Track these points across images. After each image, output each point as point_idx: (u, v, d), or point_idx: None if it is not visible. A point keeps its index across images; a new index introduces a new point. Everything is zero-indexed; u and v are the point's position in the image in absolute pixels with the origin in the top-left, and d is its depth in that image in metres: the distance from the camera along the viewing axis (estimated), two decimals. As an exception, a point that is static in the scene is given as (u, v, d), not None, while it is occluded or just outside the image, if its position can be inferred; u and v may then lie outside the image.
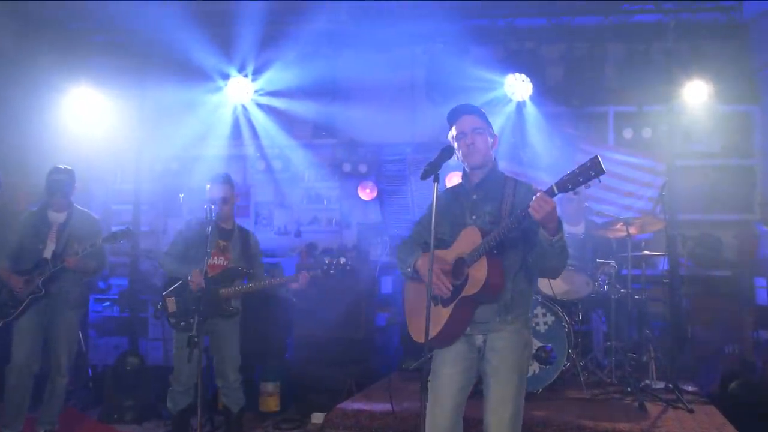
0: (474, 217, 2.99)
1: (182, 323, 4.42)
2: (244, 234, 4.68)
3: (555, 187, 2.61)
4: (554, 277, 3.14)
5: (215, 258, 4.47)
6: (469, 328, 2.94)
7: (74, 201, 4.83)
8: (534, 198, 2.62)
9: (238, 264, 4.53)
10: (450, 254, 2.97)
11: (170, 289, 4.49)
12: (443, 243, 3.01)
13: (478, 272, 2.82)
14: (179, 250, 4.53)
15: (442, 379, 2.93)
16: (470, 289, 2.84)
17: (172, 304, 4.45)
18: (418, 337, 3.00)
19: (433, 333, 2.87)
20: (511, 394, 2.87)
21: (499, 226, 2.82)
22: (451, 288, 2.90)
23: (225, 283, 4.43)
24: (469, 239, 2.90)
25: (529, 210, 2.61)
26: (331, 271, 4.47)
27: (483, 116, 3.04)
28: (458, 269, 2.93)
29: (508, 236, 2.79)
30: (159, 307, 4.53)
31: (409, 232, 3.27)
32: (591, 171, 2.50)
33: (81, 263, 4.57)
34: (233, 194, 4.59)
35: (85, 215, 4.82)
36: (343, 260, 4.49)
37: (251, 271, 4.54)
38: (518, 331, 2.94)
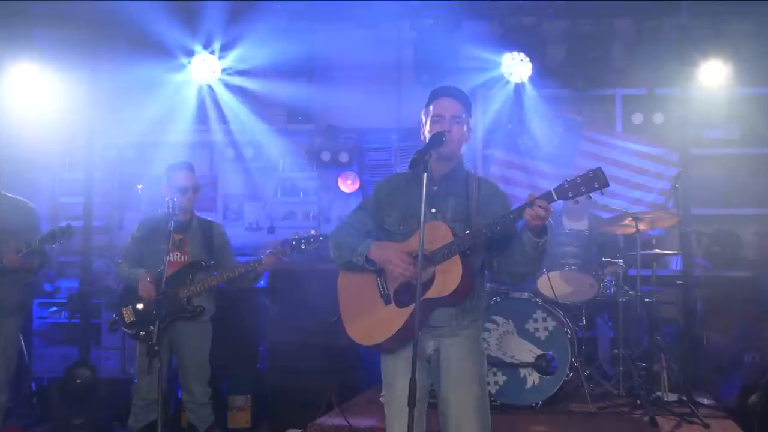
0: (434, 210, 2.98)
1: (142, 333, 4.41)
2: (205, 225, 4.66)
3: (554, 194, 2.72)
4: (524, 282, 3.22)
5: (171, 254, 4.41)
6: (420, 332, 2.91)
7: (5, 188, 4.65)
8: (531, 202, 2.68)
9: (198, 258, 4.50)
10: (407, 249, 2.93)
11: (125, 297, 4.47)
12: (390, 235, 3.01)
13: (450, 273, 2.84)
14: (135, 254, 4.55)
15: (397, 392, 2.92)
16: (438, 291, 2.85)
17: (128, 314, 4.46)
18: (362, 339, 3.00)
19: (384, 336, 2.89)
20: (475, 407, 2.90)
21: (472, 226, 2.86)
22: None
23: (182, 281, 4.39)
24: (434, 235, 2.88)
25: (526, 216, 2.69)
26: (302, 246, 4.49)
27: (467, 105, 3.08)
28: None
29: (487, 237, 2.83)
30: (115, 320, 4.50)
31: (349, 217, 3.21)
32: (594, 183, 2.65)
33: (24, 261, 4.43)
34: (198, 184, 4.62)
35: (16, 203, 4.64)
36: (314, 231, 4.49)
37: (212, 263, 4.50)
38: (473, 338, 2.99)
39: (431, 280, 2.87)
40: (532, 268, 2.91)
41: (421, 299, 2.82)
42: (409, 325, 2.87)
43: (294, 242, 4.52)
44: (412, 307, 2.86)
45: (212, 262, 4.54)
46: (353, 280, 3.10)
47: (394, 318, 2.90)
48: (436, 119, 2.99)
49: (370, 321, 2.94)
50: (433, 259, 2.87)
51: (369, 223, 3.12)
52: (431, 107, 3.04)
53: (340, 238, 3.13)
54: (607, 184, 2.64)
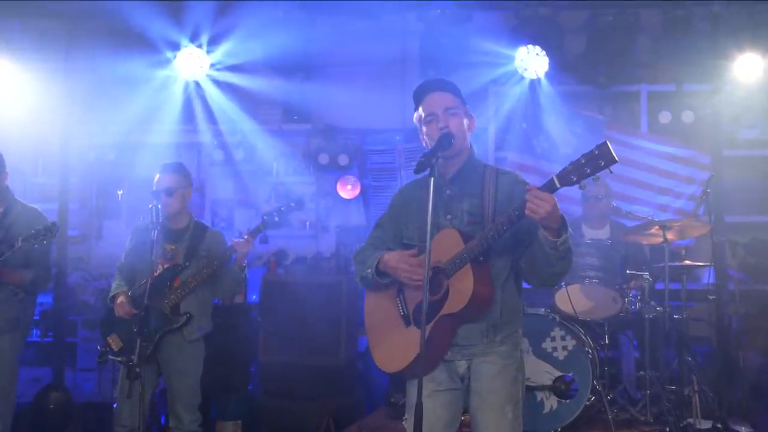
0: (449, 216, 2.99)
1: (133, 357, 4.35)
2: (199, 231, 4.61)
3: (557, 180, 2.62)
4: (554, 285, 3.14)
5: (162, 267, 4.42)
6: (449, 353, 2.93)
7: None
8: (528, 195, 2.60)
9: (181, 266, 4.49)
10: (422, 263, 2.91)
11: (108, 323, 4.46)
12: (410, 249, 3.00)
13: (462, 284, 2.81)
14: (127, 267, 4.55)
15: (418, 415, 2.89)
16: (453, 305, 2.83)
17: (115, 341, 4.43)
18: (387, 366, 3.01)
19: (407, 360, 2.87)
20: (507, 430, 2.89)
21: (485, 228, 2.82)
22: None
23: (160, 291, 4.36)
24: (445, 244, 2.88)
25: (527, 212, 2.60)
26: (275, 218, 4.47)
27: (457, 93, 3.06)
28: (435, 281, 2.90)
29: (500, 239, 2.78)
30: (103, 351, 4.49)
31: (368, 238, 3.27)
32: (599, 160, 2.51)
33: (8, 275, 4.37)
34: (185, 186, 4.57)
35: (29, 211, 4.60)
36: (284, 202, 4.48)
37: (188, 264, 4.47)
38: (509, 354, 2.96)
39: (446, 295, 2.85)
40: (559, 268, 2.80)
41: (437, 316, 2.84)
42: (430, 346, 2.84)
43: (266, 217, 4.49)
44: (430, 326, 2.84)
45: (188, 264, 4.48)
46: (376, 301, 3.13)
47: (415, 340, 2.86)
48: (429, 119, 2.99)
49: (392, 345, 2.93)
50: (446, 271, 2.85)
51: (387, 240, 3.16)
52: (420, 109, 3.04)
53: (358, 258, 3.19)
54: (613, 160, 2.49)
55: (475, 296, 2.78)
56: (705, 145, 6.66)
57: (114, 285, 4.54)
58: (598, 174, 2.54)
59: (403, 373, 2.95)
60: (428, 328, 2.84)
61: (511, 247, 2.91)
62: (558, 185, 2.60)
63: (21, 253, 4.30)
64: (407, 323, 2.96)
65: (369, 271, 3.03)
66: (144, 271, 4.39)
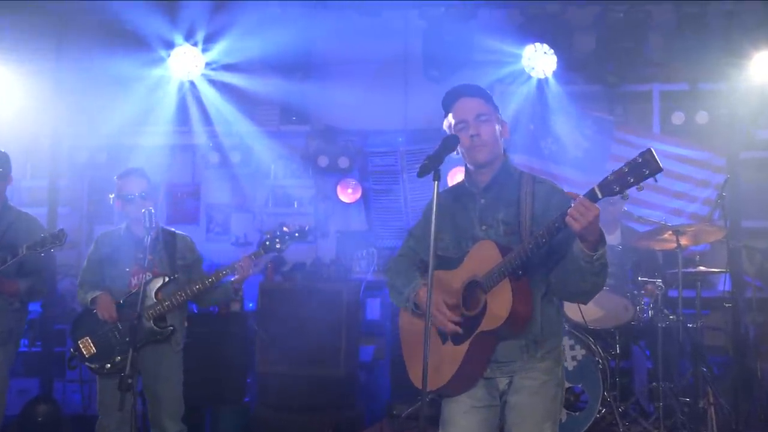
0: (485, 227, 2.98)
1: (107, 365, 4.34)
2: (169, 238, 4.57)
3: (598, 190, 2.59)
4: (586, 302, 3.13)
5: (138, 277, 4.37)
6: (489, 369, 2.92)
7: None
8: (573, 203, 2.58)
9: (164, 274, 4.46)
10: (458, 277, 2.94)
11: (80, 327, 4.41)
12: (447, 262, 2.99)
13: (500, 300, 2.79)
14: (95, 277, 4.49)
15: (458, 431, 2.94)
16: (490, 323, 2.81)
17: (88, 346, 4.38)
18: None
19: (445, 378, 2.87)
20: None
21: (524, 240, 2.81)
22: (459, 322, 2.88)
23: (145, 301, 4.33)
24: (482, 256, 2.87)
25: (567, 219, 2.57)
26: (277, 245, 4.42)
27: (488, 99, 3.03)
28: (472, 296, 2.89)
29: (536, 253, 2.75)
30: (72, 354, 4.44)
31: (401, 248, 3.27)
32: (644, 169, 2.47)
33: (4, 285, 4.35)
34: (154, 190, 4.54)
35: (23, 217, 4.58)
36: (286, 228, 4.44)
37: (176, 276, 4.45)
38: (550, 370, 2.95)
39: (483, 311, 2.84)
40: (592, 284, 2.77)
41: (475, 333, 2.84)
42: (468, 364, 2.86)
43: (267, 242, 4.46)
44: (468, 343, 2.85)
45: (176, 276, 4.46)
46: (411, 317, 3.12)
47: (453, 357, 2.88)
48: (460, 127, 2.97)
49: (430, 363, 2.90)
50: (483, 286, 2.84)
51: (420, 250, 3.16)
52: (450, 116, 3.02)
53: (392, 278, 3.20)
54: (658, 168, 2.44)
55: (513, 314, 2.76)
56: (720, 146, 6.66)
57: (87, 294, 4.42)
58: (641, 184, 2.50)
59: (440, 392, 2.94)
60: (465, 345, 2.87)
61: (547, 261, 2.90)
62: (600, 196, 2.57)
63: (19, 260, 4.27)
64: (444, 340, 2.94)
65: (408, 304, 3.05)
66: (118, 283, 4.37)
